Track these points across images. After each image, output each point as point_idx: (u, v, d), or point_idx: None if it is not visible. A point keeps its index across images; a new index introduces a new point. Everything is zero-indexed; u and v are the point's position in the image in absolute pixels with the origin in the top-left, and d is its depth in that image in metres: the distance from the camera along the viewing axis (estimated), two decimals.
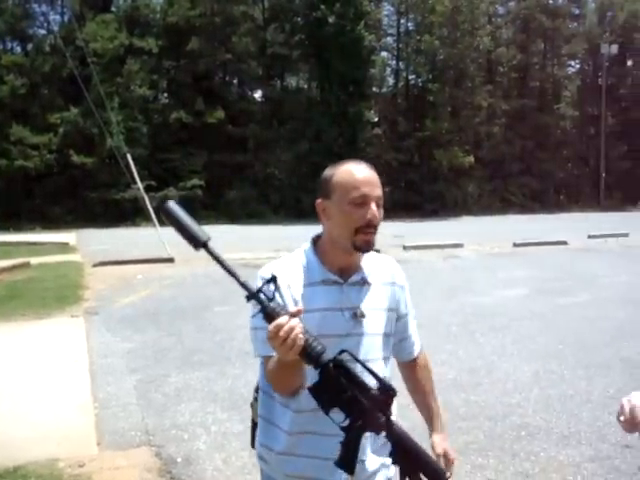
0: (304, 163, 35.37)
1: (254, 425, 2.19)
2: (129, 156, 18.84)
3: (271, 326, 1.61)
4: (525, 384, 6.26)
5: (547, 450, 4.72)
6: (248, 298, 1.66)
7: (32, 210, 32.47)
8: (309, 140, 36.45)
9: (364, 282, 2.04)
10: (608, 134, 46.16)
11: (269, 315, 1.64)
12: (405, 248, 18.37)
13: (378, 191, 2.00)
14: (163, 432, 5.19)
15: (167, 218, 1.71)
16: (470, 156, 39.25)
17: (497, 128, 43.47)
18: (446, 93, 40.94)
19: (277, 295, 1.71)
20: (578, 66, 52.93)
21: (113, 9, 38.48)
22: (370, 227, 1.96)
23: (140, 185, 19.01)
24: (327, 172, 2.07)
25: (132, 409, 5.75)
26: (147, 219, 20.64)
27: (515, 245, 19.10)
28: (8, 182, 31.55)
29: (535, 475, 4.33)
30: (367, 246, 1.98)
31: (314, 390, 1.72)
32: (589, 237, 20.94)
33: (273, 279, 1.70)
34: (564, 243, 19.55)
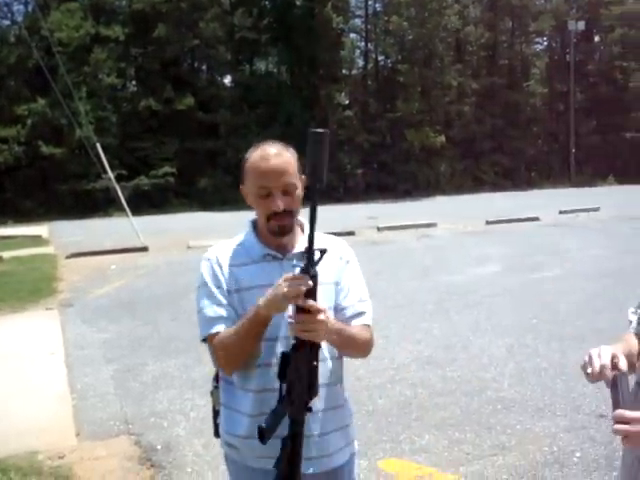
0: None
1: (215, 413, 2.24)
2: (99, 146, 18.65)
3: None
4: (500, 359, 6.34)
5: (523, 422, 4.79)
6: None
7: (3, 204, 32.04)
8: (280, 124, 36.29)
9: (303, 256, 1.91)
10: (577, 110, 46.48)
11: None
12: (379, 229, 18.45)
13: (284, 179, 2.00)
14: (142, 420, 5.20)
15: (315, 145, 1.77)
16: (441, 136, 39.34)
17: (467, 107, 43.57)
18: (416, 73, 40.92)
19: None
20: (546, 43, 53.18)
21: None
22: (279, 214, 1.99)
23: (111, 175, 18.85)
24: (246, 155, 2.09)
25: (110, 399, 5.74)
26: (119, 209, 20.49)
27: (488, 223, 19.24)
28: None
29: (512, 447, 4.40)
30: (281, 230, 2.03)
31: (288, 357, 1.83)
32: (560, 212, 21.15)
33: (323, 251, 1.82)
34: (536, 219, 19.73)
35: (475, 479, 4.00)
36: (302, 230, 2.13)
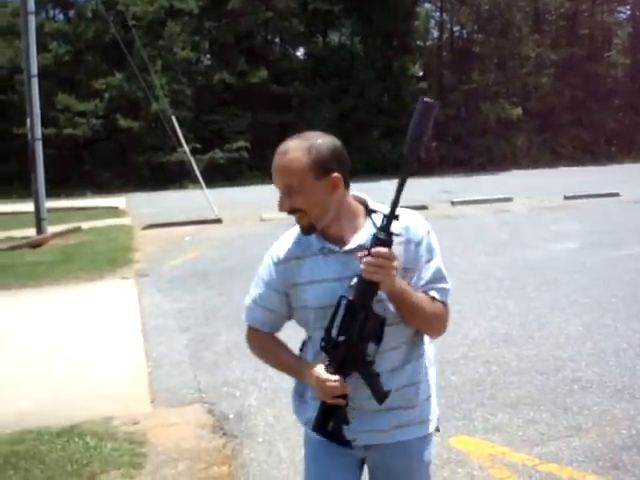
0: (349, 120, 35.08)
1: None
2: (174, 119, 18.92)
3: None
4: (577, 338, 6.17)
5: (600, 404, 4.65)
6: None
7: (82, 176, 32.93)
8: (353, 97, 36.07)
9: (362, 248, 1.93)
10: None
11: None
12: (453, 203, 18.19)
13: (284, 180, 1.97)
14: (215, 389, 5.27)
15: (426, 114, 1.81)
16: (518, 108, 38.39)
17: (545, 79, 42.33)
18: (492, 44, 39.97)
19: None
20: (629, 12, 50.99)
21: None
22: (291, 213, 1.99)
23: (186, 148, 19.12)
24: None
25: (184, 367, 5.85)
26: (194, 181, 20.78)
27: (566, 198, 18.72)
28: (58, 150, 31.89)
29: (588, 429, 4.27)
30: (304, 229, 2.02)
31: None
32: None
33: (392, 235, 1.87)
34: (616, 195, 19.07)
35: (550, 460, 3.90)
36: (367, 214, 2.06)
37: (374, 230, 1.91)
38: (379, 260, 1.82)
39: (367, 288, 1.87)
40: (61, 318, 7.79)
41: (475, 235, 12.98)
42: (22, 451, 4.21)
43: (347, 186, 2.01)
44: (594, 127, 42.94)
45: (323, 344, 1.95)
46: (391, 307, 1.98)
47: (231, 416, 4.74)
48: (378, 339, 1.93)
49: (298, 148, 1.94)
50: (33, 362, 6.07)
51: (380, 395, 1.95)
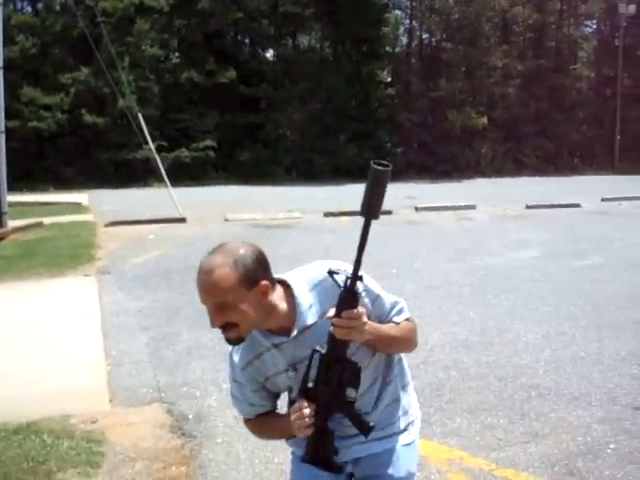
0: (316, 124, 35.14)
1: None
2: (140, 116, 18.76)
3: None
4: (536, 345, 6.26)
5: (557, 411, 4.73)
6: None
7: (45, 171, 32.45)
8: (321, 100, 36.14)
9: (306, 328, 2.01)
10: (624, 95, 45.47)
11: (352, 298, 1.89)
12: (417, 209, 18.31)
13: (217, 298, 1.95)
14: (175, 389, 5.24)
15: (374, 180, 1.79)
16: (484, 117, 38.79)
17: (512, 89, 42.87)
18: (460, 53, 40.35)
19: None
20: (595, 26, 51.93)
21: None
22: (222, 328, 1.98)
23: (152, 145, 18.97)
24: None
25: (144, 366, 5.80)
26: (159, 180, 20.63)
27: (528, 207, 18.98)
28: (22, 143, 31.41)
29: (545, 435, 4.34)
30: (232, 342, 2.02)
31: None
32: (603, 200, 20.76)
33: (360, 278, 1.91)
34: (577, 206, 19.39)
35: (506, 465, 3.96)
36: (288, 289, 2.05)
37: (305, 306, 2.00)
38: (350, 322, 1.86)
39: (340, 344, 1.91)
40: (20, 314, 7.68)
41: (438, 241, 13.09)
42: None
43: (273, 285, 2.00)
44: (558, 138, 43.58)
45: (302, 393, 1.99)
46: (361, 352, 2.04)
47: (190, 416, 4.72)
48: (356, 385, 1.97)
49: (224, 264, 1.93)
50: None
51: (365, 430, 2.01)
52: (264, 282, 1.94)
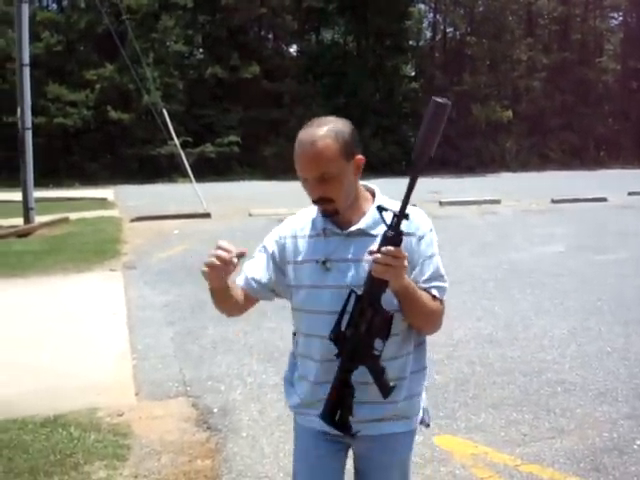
0: (341, 118, 35.14)
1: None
2: (165, 112, 18.87)
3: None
4: (562, 340, 6.22)
5: (583, 406, 4.69)
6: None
7: (71, 167, 32.77)
8: (345, 95, 36.11)
9: (365, 234, 2.05)
10: None
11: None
12: (441, 204, 18.24)
13: (318, 170, 1.97)
14: (200, 383, 5.27)
15: (437, 115, 1.85)
16: (508, 111, 38.54)
17: (537, 82, 42.52)
18: (484, 46, 40.10)
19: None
20: (621, 18, 51.34)
21: None
22: (319, 201, 2.01)
23: (177, 141, 19.06)
24: None
25: (169, 360, 5.85)
26: (184, 175, 20.73)
27: (553, 201, 18.83)
28: (47, 139, 31.75)
29: (571, 431, 4.31)
30: (328, 214, 2.05)
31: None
32: (629, 194, 20.53)
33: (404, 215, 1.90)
34: (603, 200, 19.20)
35: (531, 461, 3.94)
36: (373, 199, 2.15)
37: (377, 217, 1.98)
38: (389, 259, 1.85)
39: (376, 285, 1.90)
40: (48, 309, 7.77)
41: (462, 236, 13.03)
42: (5, 440, 4.21)
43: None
44: (583, 132, 43.16)
45: (332, 335, 1.97)
46: (394, 301, 2.00)
47: (215, 410, 4.75)
48: (386, 335, 1.96)
49: (326, 136, 1.98)
50: (19, 352, 6.05)
51: (385, 389, 1.98)
52: (359, 156, 2.05)
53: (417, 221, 2.11)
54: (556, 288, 8.42)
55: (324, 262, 2.04)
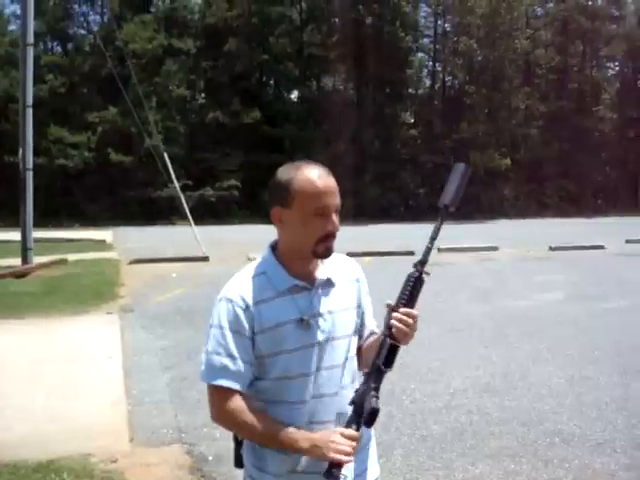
0: (340, 164, 35.38)
1: (237, 443, 2.08)
2: (166, 155, 19.01)
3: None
4: (560, 390, 6.18)
5: (581, 457, 4.64)
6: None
7: (71, 207, 32.97)
8: (345, 141, 36.44)
9: (330, 284, 2.01)
10: None
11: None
12: (439, 250, 18.24)
13: (338, 199, 1.96)
14: (195, 430, 5.22)
15: (462, 176, 2.05)
16: (507, 159, 38.89)
17: (534, 130, 43.00)
18: (483, 95, 40.62)
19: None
20: (617, 68, 52.23)
21: (152, 10, 38.92)
22: (330, 236, 1.94)
23: (177, 184, 19.17)
24: (282, 176, 2.01)
25: (165, 406, 5.79)
26: (183, 218, 20.81)
27: (551, 249, 18.88)
28: (48, 180, 31.97)
29: None
30: (327, 253, 1.96)
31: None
32: (627, 242, 20.60)
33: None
34: (601, 247, 19.25)
35: None
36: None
37: (336, 265, 2.04)
38: (411, 322, 1.90)
39: (393, 349, 1.89)
40: (43, 351, 7.72)
41: (460, 283, 13.03)
42: None
43: None
44: (581, 179, 43.52)
45: (356, 398, 1.90)
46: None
47: (210, 458, 4.69)
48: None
49: (329, 173, 2.00)
50: (13, 394, 6.01)
51: (373, 416, 1.89)
52: None
53: (356, 265, 2.18)
54: (554, 336, 8.40)
55: (304, 321, 1.92)
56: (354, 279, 2.11)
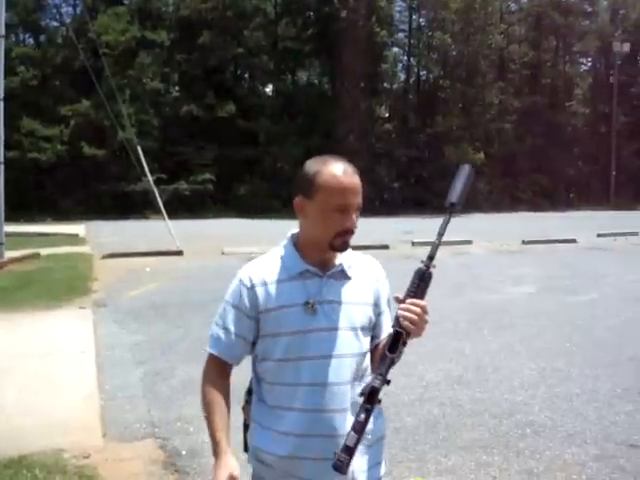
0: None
1: (246, 428, 2.20)
2: (139, 148, 18.87)
3: None
4: (531, 382, 6.24)
5: (552, 448, 4.70)
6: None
7: (43, 201, 32.59)
8: (319, 135, 36.42)
9: (344, 275, 2.06)
10: (619, 132, 45.94)
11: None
12: (414, 244, 18.32)
13: (359, 199, 2.02)
14: (168, 424, 5.20)
15: (467, 176, 2.11)
16: (480, 153, 39.10)
17: (508, 125, 43.30)
18: (457, 89, 40.81)
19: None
20: (590, 64, 52.83)
21: (125, 2, 38.48)
22: (348, 232, 2.00)
23: (150, 178, 19.05)
24: (309, 168, 2.04)
25: (138, 401, 5.77)
26: (157, 212, 20.68)
27: (524, 243, 19.05)
28: (20, 174, 31.56)
29: (540, 474, 4.31)
30: (344, 247, 2.03)
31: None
32: (598, 235, 20.85)
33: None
34: (573, 241, 19.47)
35: None
36: None
37: (352, 258, 2.09)
38: (423, 319, 1.91)
39: (404, 339, 1.89)
40: (15, 346, 7.64)
41: (434, 276, 13.06)
42: None
43: None
44: (554, 174, 43.93)
45: (368, 389, 1.87)
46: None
47: (184, 452, 4.68)
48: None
49: (355, 171, 2.04)
50: None
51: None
52: None
53: (377, 266, 2.22)
54: (526, 329, 8.48)
55: (309, 304, 1.99)
56: (373, 278, 2.15)
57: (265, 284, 2.03)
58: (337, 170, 1.99)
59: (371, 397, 1.83)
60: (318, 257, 2.04)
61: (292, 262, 2.05)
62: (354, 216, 2.00)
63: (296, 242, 2.09)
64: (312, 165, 2.04)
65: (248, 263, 2.12)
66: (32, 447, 4.64)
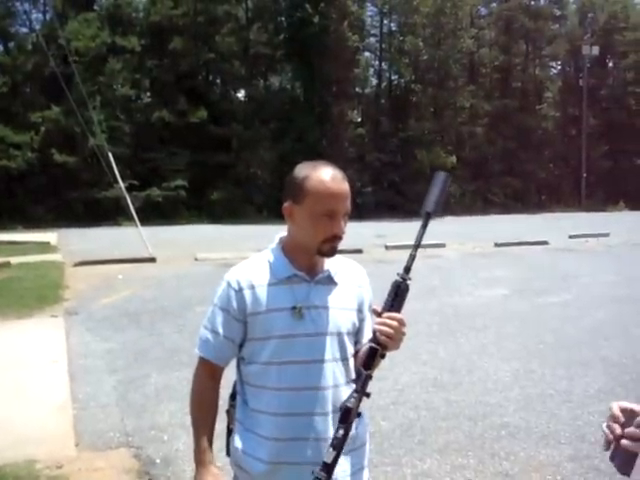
0: (287, 163, 35.28)
1: (229, 432, 2.19)
2: (110, 155, 18.71)
3: None
4: (505, 384, 6.28)
5: (527, 450, 4.73)
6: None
7: (13, 209, 32.14)
8: (292, 140, 36.38)
9: (331, 281, 2.07)
10: (589, 134, 46.50)
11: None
12: (387, 248, 18.38)
13: (348, 204, 2.02)
14: (142, 433, 5.15)
15: (443, 183, 2.07)
16: (452, 156, 39.35)
17: (479, 128, 43.65)
18: (429, 93, 41.05)
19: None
20: (560, 67, 53.42)
21: (95, 8, 38.10)
22: (336, 238, 2.01)
23: (122, 184, 18.89)
24: (298, 173, 2.03)
25: (111, 410, 5.71)
26: (129, 219, 20.51)
27: (496, 245, 19.17)
28: None
29: (515, 475, 4.34)
30: (332, 252, 2.04)
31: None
32: (570, 237, 21.07)
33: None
34: (545, 243, 19.65)
35: None
36: None
37: (339, 264, 2.10)
38: (399, 333, 1.89)
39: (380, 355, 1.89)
40: None
41: None
42: None
43: None
44: (525, 176, 44.34)
45: (345, 405, 1.84)
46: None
47: (158, 461, 4.64)
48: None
49: (344, 177, 2.02)
50: None
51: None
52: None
53: (361, 272, 2.23)
54: (499, 331, 8.54)
55: (297, 309, 1.99)
56: (357, 284, 2.17)
57: (253, 287, 2.03)
58: (326, 176, 1.98)
59: (346, 416, 1.81)
60: (306, 262, 2.04)
61: (280, 266, 2.05)
62: (342, 222, 2.00)
63: (284, 246, 2.09)
64: (301, 170, 2.03)
65: (236, 266, 2.12)
66: (4, 458, 4.58)
